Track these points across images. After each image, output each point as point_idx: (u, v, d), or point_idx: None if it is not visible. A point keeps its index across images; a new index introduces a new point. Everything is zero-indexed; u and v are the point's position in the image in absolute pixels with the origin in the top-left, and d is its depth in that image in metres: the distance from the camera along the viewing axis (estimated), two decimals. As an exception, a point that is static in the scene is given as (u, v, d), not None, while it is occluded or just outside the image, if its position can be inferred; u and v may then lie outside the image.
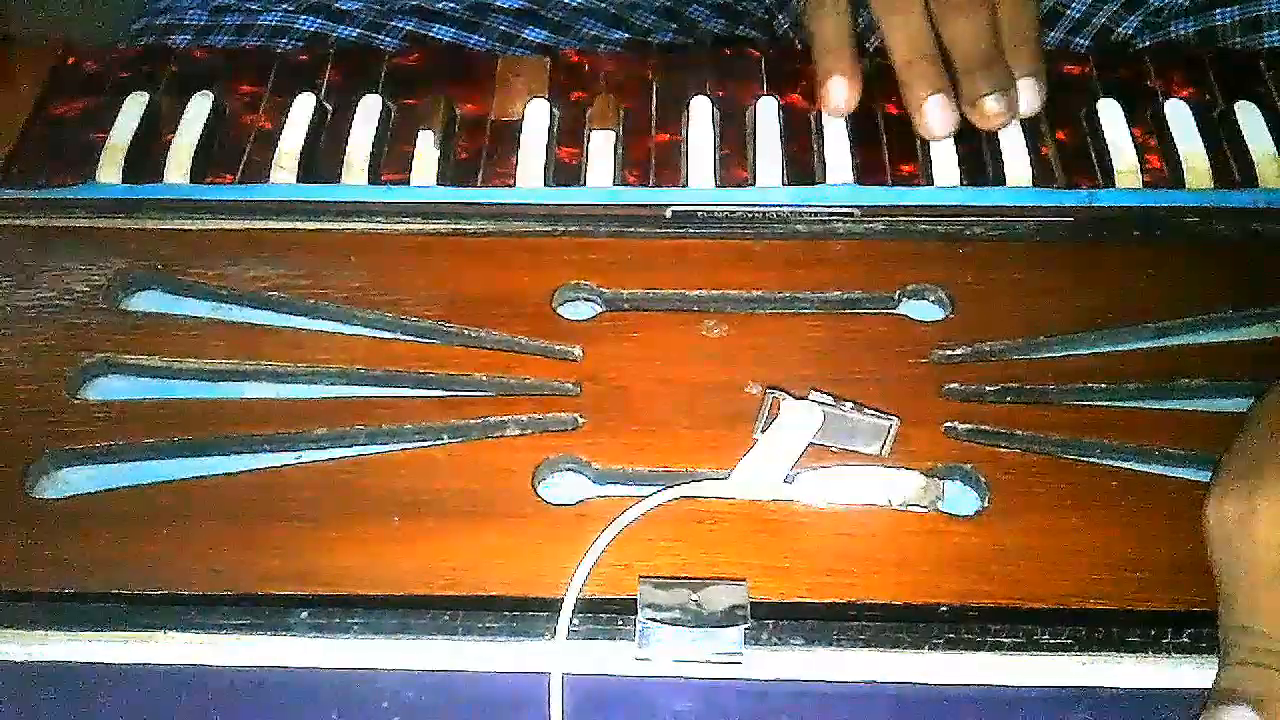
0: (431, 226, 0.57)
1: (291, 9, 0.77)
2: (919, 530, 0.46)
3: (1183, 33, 0.73)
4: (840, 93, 0.61)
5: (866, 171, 0.60)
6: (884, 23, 0.61)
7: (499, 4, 0.78)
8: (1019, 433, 0.49)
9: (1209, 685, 0.42)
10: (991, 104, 0.59)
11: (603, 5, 0.80)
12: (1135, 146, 0.60)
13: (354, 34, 0.76)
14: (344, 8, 0.77)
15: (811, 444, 0.48)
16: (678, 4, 0.81)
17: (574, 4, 0.79)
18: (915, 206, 0.57)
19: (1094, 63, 0.64)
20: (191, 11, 0.79)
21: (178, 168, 0.59)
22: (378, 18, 0.77)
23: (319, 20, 0.76)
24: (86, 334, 0.53)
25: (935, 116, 0.60)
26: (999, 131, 0.60)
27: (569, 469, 0.49)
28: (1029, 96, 0.60)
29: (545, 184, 0.59)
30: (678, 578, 0.45)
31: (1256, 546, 0.41)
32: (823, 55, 0.62)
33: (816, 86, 0.62)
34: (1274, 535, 0.41)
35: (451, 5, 0.78)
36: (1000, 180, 0.59)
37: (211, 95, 0.62)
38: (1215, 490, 0.43)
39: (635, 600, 0.44)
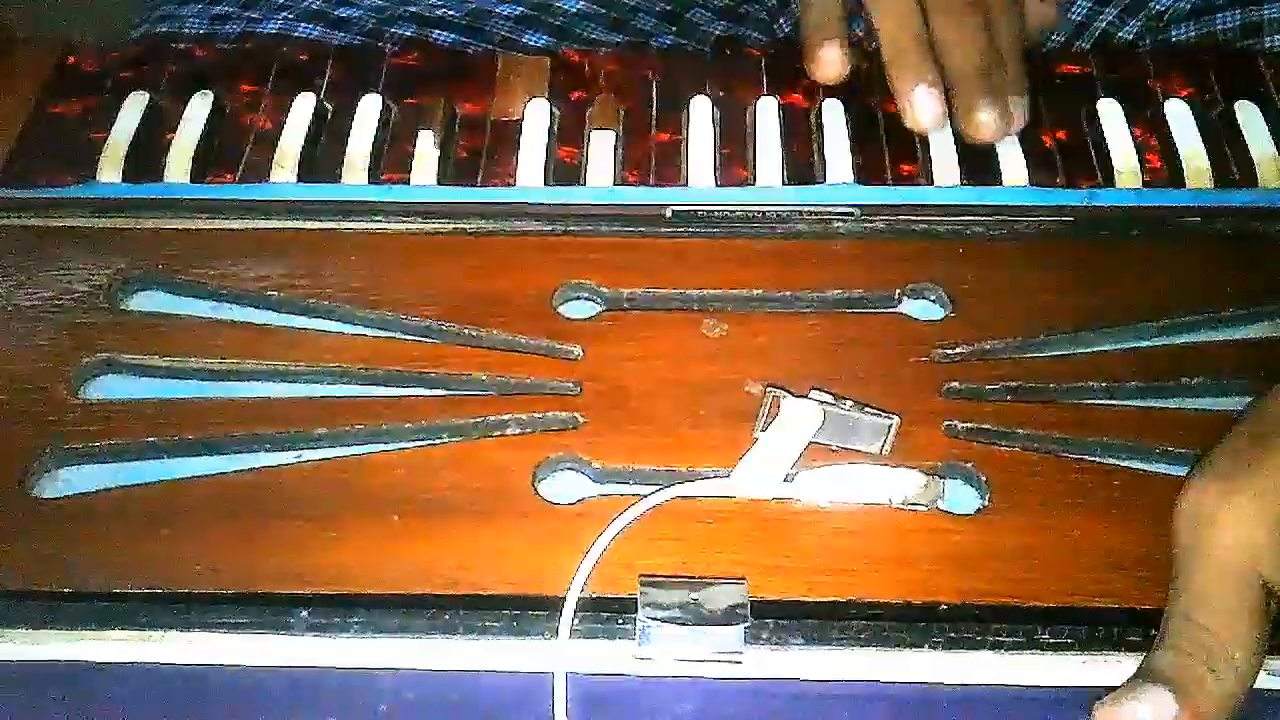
0: (431, 226, 0.57)
1: (291, 16, 0.77)
2: (919, 529, 0.46)
3: (1183, 37, 0.73)
4: (833, 55, 0.60)
5: (866, 171, 0.59)
6: (874, 10, 0.60)
7: (499, 10, 0.78)
8: (1019, 431, 0.49)
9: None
10: (986, 115, 0.58)
11: (603, 10, 0.80)
12: (1135, 146, 0.60)
13: (354, 41, 0.76)
14: (344, 15, 0.77)
15: (812, 443, 0.48)
16: (678, 7, 0.81)
17: (574, 9, 0.79)
18: (915, 206, 0.57)
19: (1094, 63, 0.64)
20: (191, 20, 0.79)
21: (178, 167, 0.59)
22: (378, 25, 0.77)
23: (319, 28, 0.76)
24: (86, 334, 0.53)
25: (923, 106, 0.59)
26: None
27: (569, 468, 0.49)
28: (1017, 116, 0.60)
29: (545, 184, 0.59)
30: (678, 577, 0.45)
31: (1225, 545, 0.41)
32: (811, 31, 0.61)
33: (806, 61, 0.62)
34: (1245, 538, 0.41)
35: (451, 12, 0.78)
36: (1000, 180, 0.59)
37: (211, 95, 0.62)
38: (1196, 482, 0.43)
39: (635, 599, 0.44)
